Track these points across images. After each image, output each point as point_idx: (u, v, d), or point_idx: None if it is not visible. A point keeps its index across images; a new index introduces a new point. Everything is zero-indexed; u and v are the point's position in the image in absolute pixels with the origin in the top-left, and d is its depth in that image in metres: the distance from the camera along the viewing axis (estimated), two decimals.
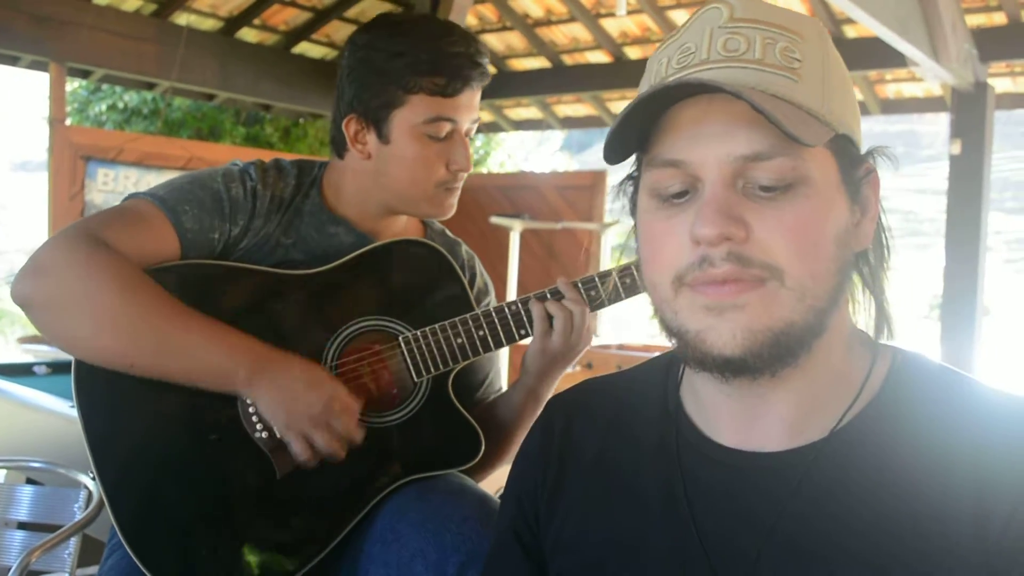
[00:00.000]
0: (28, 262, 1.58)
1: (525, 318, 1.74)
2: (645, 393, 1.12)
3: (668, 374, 1.12)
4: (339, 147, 1.82)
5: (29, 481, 2.34)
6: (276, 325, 1.68)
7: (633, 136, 0.96)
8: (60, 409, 2.81)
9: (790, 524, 0.94)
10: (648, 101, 0.90)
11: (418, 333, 1.72)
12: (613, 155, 0.97)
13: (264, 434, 1.62)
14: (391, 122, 1.74)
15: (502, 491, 1.25)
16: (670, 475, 1.03)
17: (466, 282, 1.81)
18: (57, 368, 3.69)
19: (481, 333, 1.72)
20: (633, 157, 1.01)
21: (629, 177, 1.03)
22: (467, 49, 1.73)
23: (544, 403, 1.77)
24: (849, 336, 1.00)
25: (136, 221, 1.64)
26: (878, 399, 0.98)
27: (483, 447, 1.73)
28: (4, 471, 2.30)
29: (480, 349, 1.73)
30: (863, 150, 0.99)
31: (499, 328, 1.73)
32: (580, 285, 1.75)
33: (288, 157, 1.88)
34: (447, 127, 1.74)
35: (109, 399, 1.63)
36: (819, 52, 0.93)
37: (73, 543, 1.92)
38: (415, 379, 1.72)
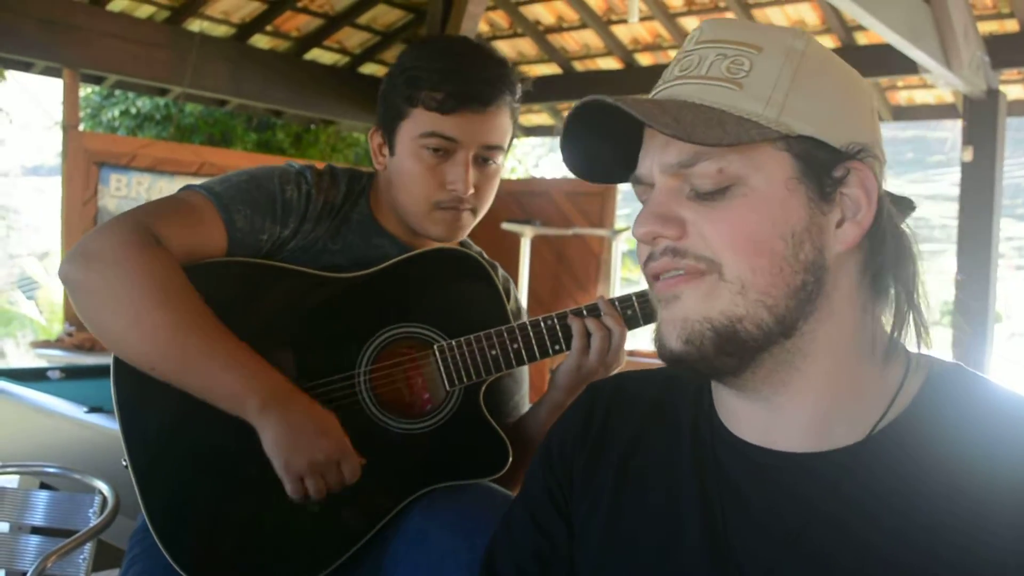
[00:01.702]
0: (79, 243, 1.60)
1: (560, 333, 1.73)
2: (682, 388, 1.14)
3: None
4: (375, 160, 1.86)
5: (43, 486, 2.35)
6: (314, 326, 1.70)
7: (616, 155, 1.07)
8: (74, 414, 2.82)
9: (819, 528, 0.95)
10: (575, 116, 1.01)
11: (452, 343, 1.72)
12: (595, 173, 1.10)
13: None
14: (397, 135, 1.76)
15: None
16: (703, 467, 1.05)
17: (503, 294, 1.81)
18: (71, 373, 3.71)
19: (516, 346, 1.72)
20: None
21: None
22: (479, 71, 1.72)
23: None
24: (873, 343, 1.00)
25: (189, 215, 1.66)
26: (913, 408, 0.98)
27: (511, 459, 1.73)
28: (18, 476, 2.31)
29: (514, 362, 1.73)
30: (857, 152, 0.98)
31: (534, 342, 1.72)
32: (617, 304, 1.74)
33: (359, 169, 1.90)
34: (444, 144, 1.72)
35: (146, 394, 1.65)
36: (778, 60, 0.97)
37: (88, 548, 1.92)
38: (447, 388, 1.72)
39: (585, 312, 1.74)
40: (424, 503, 1.66)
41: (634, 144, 1.03)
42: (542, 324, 1.73)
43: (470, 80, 1.70)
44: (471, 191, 1.74)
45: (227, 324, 1.63)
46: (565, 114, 8.17)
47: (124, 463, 1.65)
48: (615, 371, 1.77)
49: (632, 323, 1.74)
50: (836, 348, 0.98)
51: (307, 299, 1.73)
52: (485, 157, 1.77)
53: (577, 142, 1.05)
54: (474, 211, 1.79)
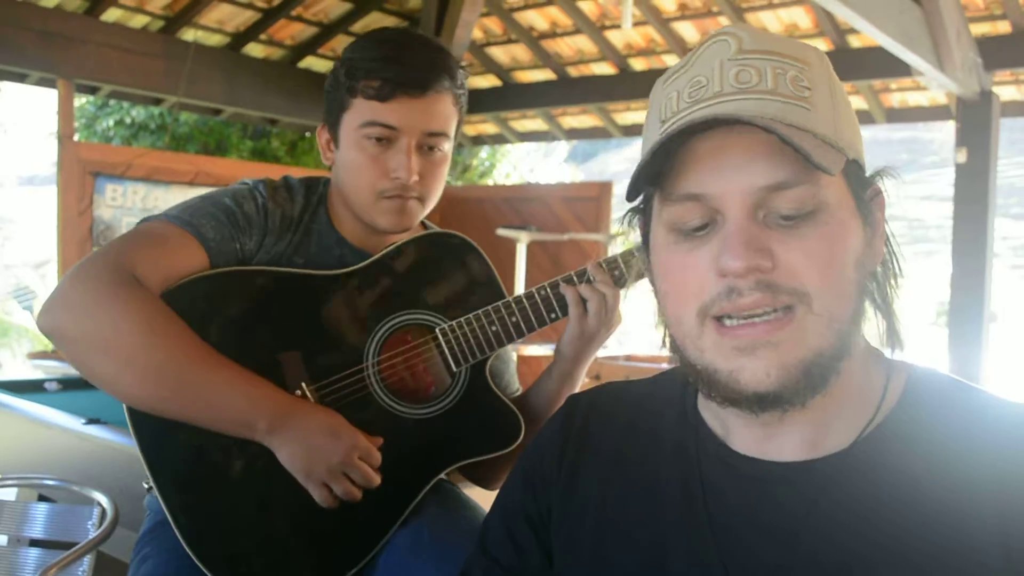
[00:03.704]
0: (56, 294, 1.59)
1: (555, 301, 1.76)
2: (664, 399, 1.13)
3: (687, 384, 1.12)
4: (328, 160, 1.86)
5: (42, 498, 2.35)
6: (317, 325, 1.71)
7: (651, 168, 0.96)
8: (72, 426, 2.82)
9: (809, 537, 0.94)
10: (676, 136, 0.91)
11: (453, 324, 1.75)
12: (633, 192, 0.99)
13: None
14: (340, 127, 1.77)
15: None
16: (688, 479, 1.04)
17: (493, 268, 1.84)
18: (68, 384, 3.70)
19: (514, 319, 1.75)
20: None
21: (635, 211, 1.04)
22: (414, 58, 1.73)
23: (578, 385, 1.84)
24: (864, 352, 1.01)
25: (159, 243, 1.66)
26: (895, 414, 0.99)
27: (524, 429, 1.77)
28: (17, 489, 2.31)
29: (514, 335, 1.76)
30: (868, 170, 1.00)
31: (531, 313, 1.76)
32: (605, 265, 1.77)
33: (295, 171, 1.90)
34: (385, 132, 1.72)
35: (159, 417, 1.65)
36: (825, 79, 0.95)
37: (88, 560, 1.92)
38: (454, 368, 1.76)
39: (575, 278, 1.77)
40: (407, 541, 1.68)
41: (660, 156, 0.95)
42: (536, 295, 1.76)
43: (405, 66, 1.71)
44: (415, 178, 1.74)
45: (227, 334, 1.65)
46: (565, 120, 8.14)
47: (147, 486, 1.66)
48: (616, 329, 1.80)
49: (620, 283, 1.76)
50: (854, 359, 0.98)
51: (305, 299, 1.74)
52: (430, 145, 1.76)
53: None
54: (421, 199, 1.79)
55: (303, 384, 1.68)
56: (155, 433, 1.66)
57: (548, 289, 1.76)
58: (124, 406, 1.64)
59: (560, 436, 1.17)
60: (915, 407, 0.99)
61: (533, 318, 1.76)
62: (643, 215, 1.04)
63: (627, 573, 1.05)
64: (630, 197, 1.00)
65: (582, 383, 1.84)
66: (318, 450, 1.59)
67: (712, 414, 1.07)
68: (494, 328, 1.75)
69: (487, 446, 1.77)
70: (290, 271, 1.75)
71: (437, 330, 1.76)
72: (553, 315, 1.77)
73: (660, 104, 0.99)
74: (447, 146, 1.80)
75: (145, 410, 1.60)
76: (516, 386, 2.02)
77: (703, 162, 0.92)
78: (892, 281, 1.02)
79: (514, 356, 2.01)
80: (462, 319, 1.75)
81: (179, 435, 1.65)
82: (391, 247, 1.80)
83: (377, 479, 1.64)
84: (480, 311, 1.76)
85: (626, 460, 1.11)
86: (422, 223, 1.97)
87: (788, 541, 0.95)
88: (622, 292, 1.77)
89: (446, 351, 1.75)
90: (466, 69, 1.84)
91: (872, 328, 1.02)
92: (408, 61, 1.71)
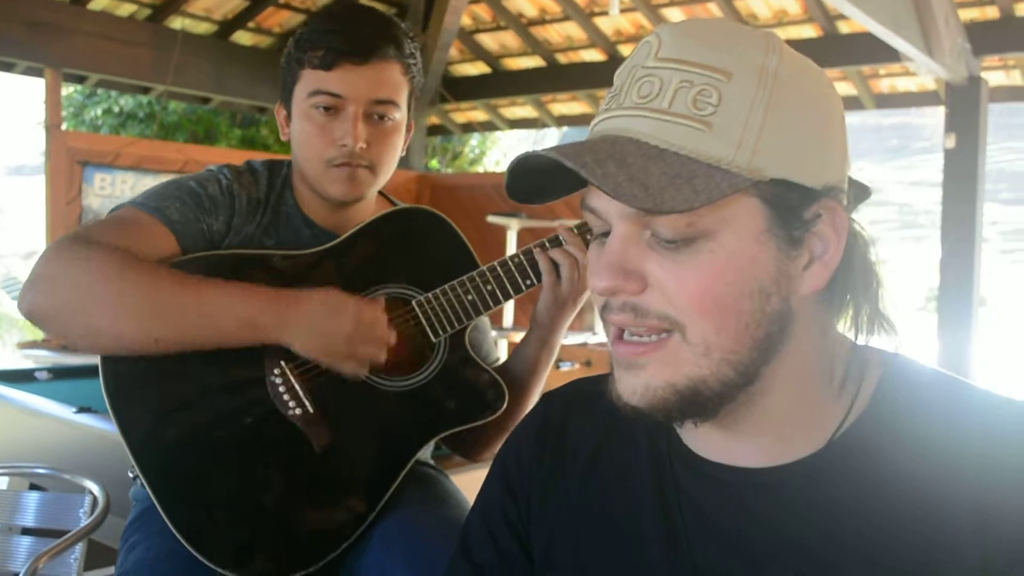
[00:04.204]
0: (29, 277, 1.59)
1: (529, 268, 1.78)
2: None
3: None
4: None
5: (33, 487, 2.35)
6: None
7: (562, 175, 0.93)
8: (63, 415, 2.82)
9: (782, 541, 0.93)
10: (518, 165, 0.91)
11: (430, 295, 1.77)
12: (536, 195, 0.98)
13: (298, 411, 1.68)
14: (292, 100, 1.79)
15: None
16: (663, 485, 1.03)
17: (465, 239, 1.86)
18: (59, 373, 3.70)
19: (489, 287, 1.77)
20: None
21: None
22: (358, 26, 1.75)
23: (555, 352, 1.87)
24: (832, 361, 0.97)
25: (127, 225, 1.67)
26: (870, 410, 0.95)
27: (507, 395, 1.79)
28: (8, 478, 2.31)
29: (491, 303, 1.78)
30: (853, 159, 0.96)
31: (506, 280, 1.78)
32: (576, 230, 1.79)
33: (284, 159, 1.91)
34: (331, 101, 1.74)
35: (140, 398, 1.67)
36: (749, 91, 0.86)
37: (79, 548, 1.93)
38: (433, 340, 1.78)
39: (548, 244, 1.78)
40: (382, 539, 1.68)
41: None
42: (510, 262, 1.78)
43: (349, 35, 1.73)
44: (361, 145, 1.74)
45: None
46: (555, 107, 8.14)
47: (132, 474, 1.66)
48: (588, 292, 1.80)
49: None
50: (798, 377, 0.94)
51: (280, 278, 1.74)
52: (379, 113, 1.77)
53: (519, 179, 0.95)
54: (371, 168, 1.79)
55: (282, 362, 1.68)
56: (138, 419, 1.66)
57: (522, 256, 1.78)
58: (108, 402, 1.64)
59: (537, 434, 1.16)
60: (890, 402, 0.95)
61: (508, 285, 1.78)
62: None
63: (605, 571, 1.04)
64: (518, 198, 0.99)
65: (574, 368, 1.85)
66: (328, 328, 1.63)
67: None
68: (470, 297, 1.77)
69: (472, 414, 1.79)
70: (265, 252, 1.76)
71: (414, 302, 1.77)
72: (528, 282, 1.78)
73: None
74: (397, 115, 1.80)
75: (148, 351, 1.59)
76: (496, 355, 2.03)
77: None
78: (869, 290, 0.96)
79: (489, 323, 2.04)
80: (438, 290, 1.77)
81: (162, 420, 1.66)
82: (361, 225, 1.81)
83: (393, 335, 1.70)
84: (455, 281, 1.77)
85: (603, 458, 1.10)
86: (390, 200, 1.99)
87: (756, 547, 0.94)
88: None
89: (424, 322, 1.77)
90: (415, 40, 1.85)
91: (857, 320, 0.97)
92: (351, 31, 1.74)
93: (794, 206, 0.88)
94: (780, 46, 0.91)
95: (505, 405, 1.79)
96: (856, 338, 0.97)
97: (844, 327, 0.98)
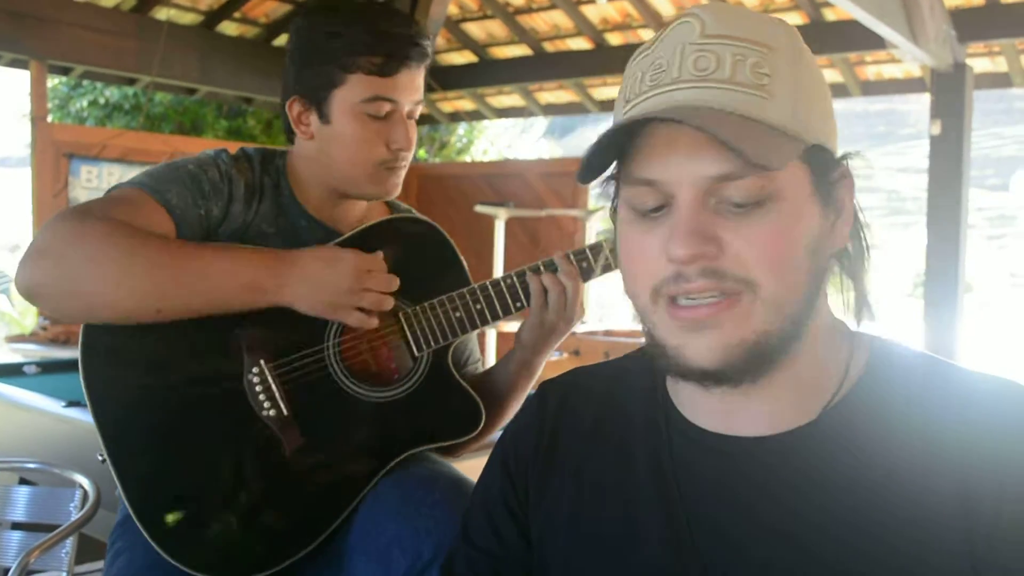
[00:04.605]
0: (27, 250, 1.59)
1: (521, 290, 1.78)
2: (635, 379, 1.15)
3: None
4: (289, 132, 1.86)
5: (23, 481, 2.36)
6: (277, 307, 1.69)
7: (611, 150, 0.98)
8: (52, 409, 2.83)
9: (774, 510, 0.97)
10: (619, 130, 0.93)
11: (417, 308, 1.76)
12: (590, 174, 1.00)
13: (272, 412, 1.67)
14: (331, 102, 1.76)
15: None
16: (660, 456, 1.06)
17: (459, 254, 1.86)
18: (47, 367, 3.70)
19: (479, 306, 1.77)
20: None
21: (611, 178, 1.05)
22: (405, 30, 1.75)
23: (537, 374, 1.85)
24: (828, 328, 1.03)
25: (126, 204, 1.66)
26: (859, 387, 1.00)
27: (484, 418, 1.78)
28: None
29: (478, 322, 1.78)
30: (839, 151, 1.01)
31: (496, 301, 1.77)
32: (572, 257, 1.78)
33: (270, 147, 1.91)
34: (386, 107, 1.75)
35: (116, 384, 1.67)
36: (790, 62, 0.94)
37: (70, 542, 1.93)
38: (416, 353, 1.77)
39: (542, 268, 1.78)
40: (373, 492, 1.70)
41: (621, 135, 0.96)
42: (502, 283, 1.78)
43: (403, 42, 1.74)
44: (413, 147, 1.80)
45: None
46: (542, 95, 8.11)
47: (101, 457, 1.66)
48: (577, 322, 1.82)
49: (587, 275, 1.79)
50: (812, 338, 0.99)
51: None
52: (412, 112, 1.81)
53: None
54: (405, 166, 1.84)
55: (261, 361, 1.69)
56: (112, 406, 1.66)
57: (515, 278, 1.78)
58: (83, 381, 1.64)
59: (535, 420, 1.19)
60: (878, 379, 1.00)
61: (498, 306, 1.78)
62: (616, 187, 1.05)
63: (603, 550, 1.07)
64: (582, 178, 1.01)
65: (562, 358, 1.85)
66: (328, 282, 1.65)
67: (678, 394, 1.09)
68: (458, 314, 1.76)
69: (446, 433, 1.79)
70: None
71: (400, 313, 1.76)
72: (519, 304, 1.79)
73: (627, 82, 1.00)
74: (419, 111, 1.85)
75: (150, 316, 1.60)
76: (478, 355, 2.04)
77: (657, 149, 0.94)
78: (861, 260, 1.03)
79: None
80: (426, 303, 1.76)
81: (134, 408, 1.67)
82: (362, 227, 1.81)
83: (395, 280, 1.72)
84: (445, 296, 1.77)
85: (600, 440, 1.13)
86: (387, 204, 1.99)
87: (752, 515, 0.97)
88: (589, 282, 1.79)
89: (408, 335, 1.76)
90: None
91: (844, 299, 1.04)
92: (404, 37, 1.75)
93: (827, 168, 0.97)
94: (794, 29, 0.99)
95: (480, 429, 1.78)
96: (846, 309, 1.03)
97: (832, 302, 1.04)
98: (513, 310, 1.79)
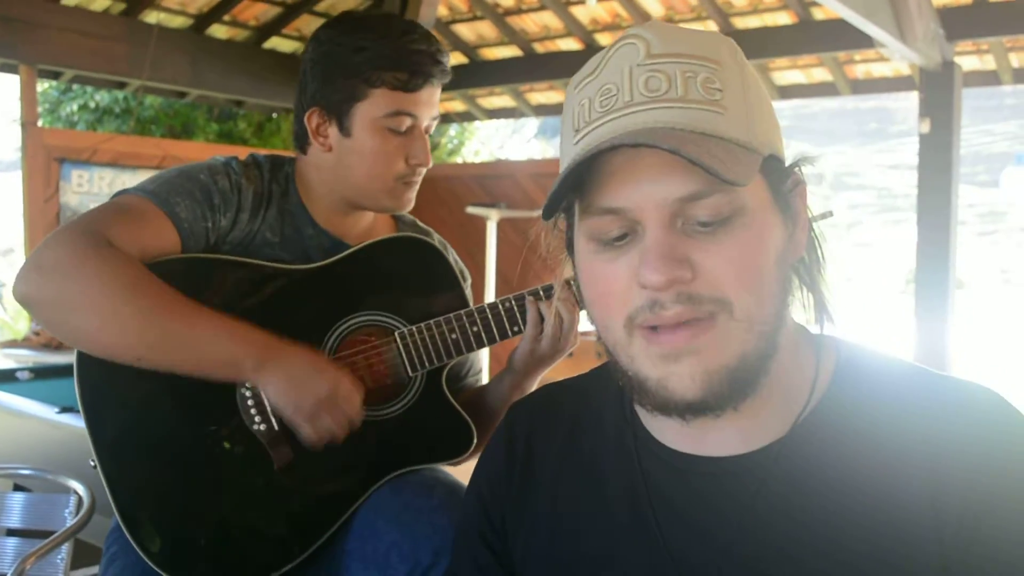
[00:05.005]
0: (29, 261, 1.60)
1: (519, 314, 1.78)
2: (603, 397, 1.14)
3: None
4: (302, 142, 1.86)
5: (17, 488, 2.36)
6: (275, 319, 1.71)
7: (566, 183, 0.95)
8: (45, 415, 2.83)
9: (752, 528, 0.96)
10: (582, 162, 0.91)
11: (413, 328, 1.77)
12: (551, 209, 0.97)
13: (263, 427, 1.68)
14: (353, 116, 1.77)
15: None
16: (632, 480, 1.05)
17: (461, 279, 1.86)
18: (40, 373, 3.70)
19: (475, 329, 1.77)
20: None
21: (561, 211, 1.02)
22: (428, 47, 1.77)
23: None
24: (793, 336, 1.02)
25: (134, 217, 1.67)
26: (827, 397, 1.00)
27: (475, 441, 1.78)
28: None
29: (474, 344, 1.78)
30: (787, 160, 1.01)
31: (493, 324, 1.77)
32: (572, 284, 1.76)
33: (262, 152, 1.92)
34: (407, 122, 1.77)
35: (110, 392, 1.68)
36: (737, 75, 0.94)
37: (66, 548, 1.94)
38: (410, 374, 1.77)
39: (542, 294, 1.78)
40: (372, 498, 1.72)
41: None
42: (500, 307, 1.78)
43: (425, 58, 1.76)
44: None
45: None
46: (533, 96, 8.08)
47: (92, 463, 1.67)
48: (569, 351, 1.82)
49: (583, 304, 1.78)
50: (783, 351, 0.98)
51: (266, 292, 1.75)
52: (429, 128, 1.84)
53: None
54: (420, 179, 1.86)
55: None
56: (104, 412, 1.68)
57: (513, 301, 1.78)
58: (77, 388, 1.65)
59: (506, 447, 1.18)
60: (846, 389, 1.00)
61: (495, 329, 1.78)
62: (567, 218, 1.03)
63: (581, 573, 1.06)
64: (547, 215, 0.98)
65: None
66: (304, 384, 1.62)
67: (643, 413, 1.07)
68: (454, 336, 1.77)
69: (437, 454, 1.80)
70: (258, 264, 1.76)
71: (396, 333, 1.77)
72: (516, 328, 1.79)
73: (573, 111, 0.97)
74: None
75: (130, 362, 1.60)
76: (479, 367, 2.05)
77: (618, 176, 0.92)
78: (818, 266, 1.03)
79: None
80: (423, 324, 1.77)
81: (126, 416, 1.68)
82: (361, 245, 1.81)
83: (361, 414, 1.68)
84: (441, 318, 1.77)
85: (572, 462, 1.12)
86: (393, 217, 2.00)
87: (731, 537, 0.97)
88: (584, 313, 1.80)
89: (403, 355, 1.76)
90: None
91: (803, 302, 1.04)
92: (426, 53, 1.77)
93: (781, 178, 0.97)
94: (732, 41, 0.97)
95: (471, 451, 1.79)
96: (808, 318, 1.03)
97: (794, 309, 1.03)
98: (510, 334, 1.79)
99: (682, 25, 1.00)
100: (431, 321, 1.77)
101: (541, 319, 1.76)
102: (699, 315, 0.90)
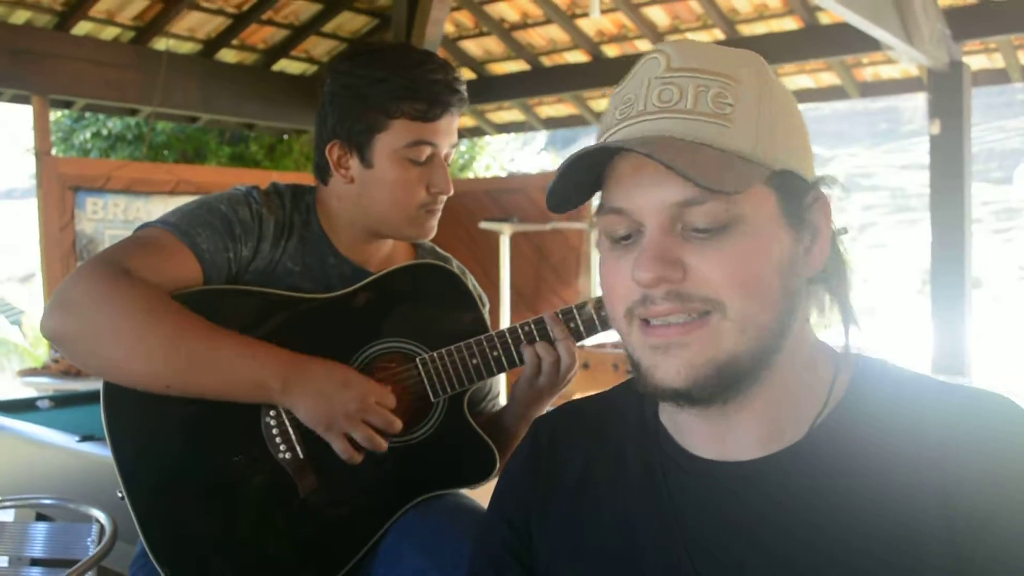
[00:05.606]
0: (54, 297, 1.62)
1: (539, 338, 1.78)
2: (624, 411, 1.17)
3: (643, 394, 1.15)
4: (323, 173, 1.87)
5: (40, 517, 2.38)
6: (298, 347, 1.72)
7: (587, 182, 1.03)
8: (66, 444, 2.84)
9: (769, 532, 0.99)
10: (577, 160, 0.98)
11: (435, 354, 1.78)
12: (565, 204, 1.05)
13: (288, 455, 1.70)
14: (374, 147, 1.79)
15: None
16: (655, 489, 1.08)
17: (480, 304, 1.87)
18: (60, 402, 3.72)
19: (495, 353, 1.77)
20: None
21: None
22: (445, 76, 1.79)
23: None
24: (812, 351, 1.06)
25: (156, 250, 1.69)
26: (842, 405, 1.03)
27: (498, 464, 1.79)
28: (14, 510, 2.33)
29: (495, 369, 1.78)
30: (817, 172, 1.04)
31: (512, 349, 1.78)
32: (562, 316, 1.78)
33: (275, 175, 1.94)
34: (428, 151, 1.79)
35: (137, 422, 1.69)
36: (754, 93, 0.98)
37: None
38: (432, 399, 1.78)
39: (536, 336, 1.78)
40: (398, 524, 1.73)
41: (596, 168, 1.02)
42: (519, 331, 1.78)
43: (445, 88, 1.78)
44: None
45: None
46: (542, 109, 8.11)
47: (120, 495, 1.68)
48: (567, 385, 1.83)
49: (576, 335, 1.79)
50: (794, 360, 1.02)
51: (289, 321, 1.76)
52: (448, 156, 1.85)
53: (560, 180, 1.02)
54: (441, 207, 1.87)
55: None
56: (131, 441, 1.69)
57: (532, 325, 1.78)
58: (104, 420, 1.67)
59: (529, 461, 1.22)
60: (862, 397, 1.03)
61: (515, 354, 1.78)
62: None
63: (604, 574, 1.09)
64: (554, 207, 1.06)
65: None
66: (334, 400, 1.64)
67: (670, 422, 1.11)
68: (475, 361, 1.77)
69: (460, 479, 1.81)
70: (280, 293, 1.77)
71: (417, 360, 1.78)
72: None
73: (604, 119, 1.04)
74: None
75: (159, 391, 1.62)
76: (498, 391, 2.06)
77: (625, 179, 0.99)
78: (842, 280, 1.05)
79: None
80: (443, 350, 1.77)
81: (152, 445, 1.70)
82: (381, 273, 1.83)
83: (397, 422, 1.69)
84: (462, 343, 1.78)
85: (595, 473, 1.15)
86: (412, 244, 2.01)
87: (749, 540, 1.00)
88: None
89: (425, 381, 1.77)
90: None
91: (831, 319, 1.06)
92: (444, 82, 1.78)
93: (797, 194, 1.00)
94: (762, 59, 1.02)
95: (494, 475, 1.79)
96: (846, 338, 1.05)
97: (815, 320, 1.07)
98: None
99: (688, 35, 1.04)
100: (452, 347, 1.77)
101: (539, 359, 1.77)
102: (689, 313, 0.96)
